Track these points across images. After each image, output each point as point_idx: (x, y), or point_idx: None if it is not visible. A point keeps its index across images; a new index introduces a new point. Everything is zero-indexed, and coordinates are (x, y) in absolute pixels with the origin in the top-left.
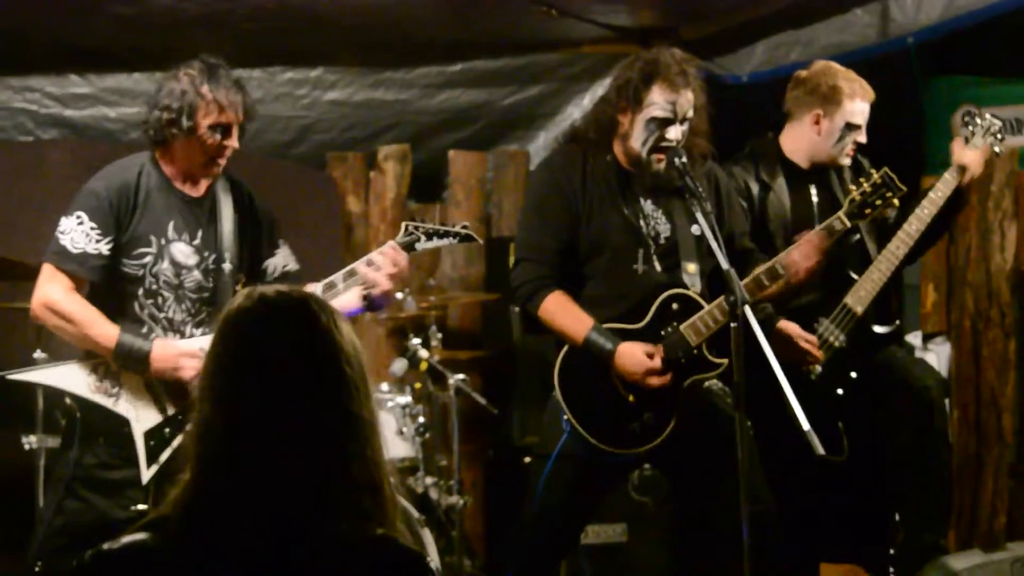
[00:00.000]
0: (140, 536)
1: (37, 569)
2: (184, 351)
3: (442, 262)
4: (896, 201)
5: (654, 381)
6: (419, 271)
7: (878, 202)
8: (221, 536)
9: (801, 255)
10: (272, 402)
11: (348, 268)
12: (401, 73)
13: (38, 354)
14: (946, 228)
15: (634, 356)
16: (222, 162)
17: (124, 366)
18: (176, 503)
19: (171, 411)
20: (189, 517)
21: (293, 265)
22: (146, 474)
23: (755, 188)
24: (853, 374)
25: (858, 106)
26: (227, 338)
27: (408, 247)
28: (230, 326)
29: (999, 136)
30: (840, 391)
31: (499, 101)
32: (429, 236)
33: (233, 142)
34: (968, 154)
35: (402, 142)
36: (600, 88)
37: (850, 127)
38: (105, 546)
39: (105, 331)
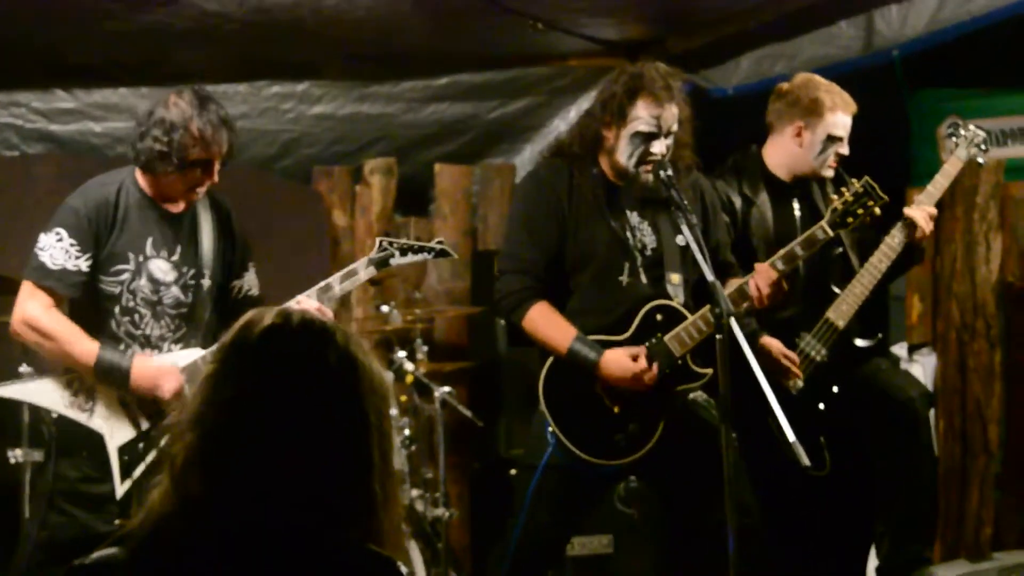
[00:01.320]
0: (112, 551)
1: None
2: (163, 369)
3: (428, 275)
4: (878, 210)
5: (645, 381)
6: (405, 284)
7: (859, 211)
8: (197, 553)
9: (756, 287)
10: (276, 424)
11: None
12: (387, 87)
13: (24, 368)
14: (915, 259)
15: (619, 361)
16: (200, 192)
17: (103, 382)
18: (152, 515)
19: (145, 426)
20: (163, 530)
21: (256, 290)
22: (120, 489)
23: (738, 202)
24: (835, 388)
25: (839, 119)
26: (231, 360)
27: (382, 263)
28: (236, 347)
29: (983, 147)
30: (821, 405)
31: (485, 115)
32: (404, 252)
33: (213, 177)
34: (915, 211)
35: (388, 156)
36: (586, 102)
37: (831, 139)
38: (76, 562)
39: (85, 348)
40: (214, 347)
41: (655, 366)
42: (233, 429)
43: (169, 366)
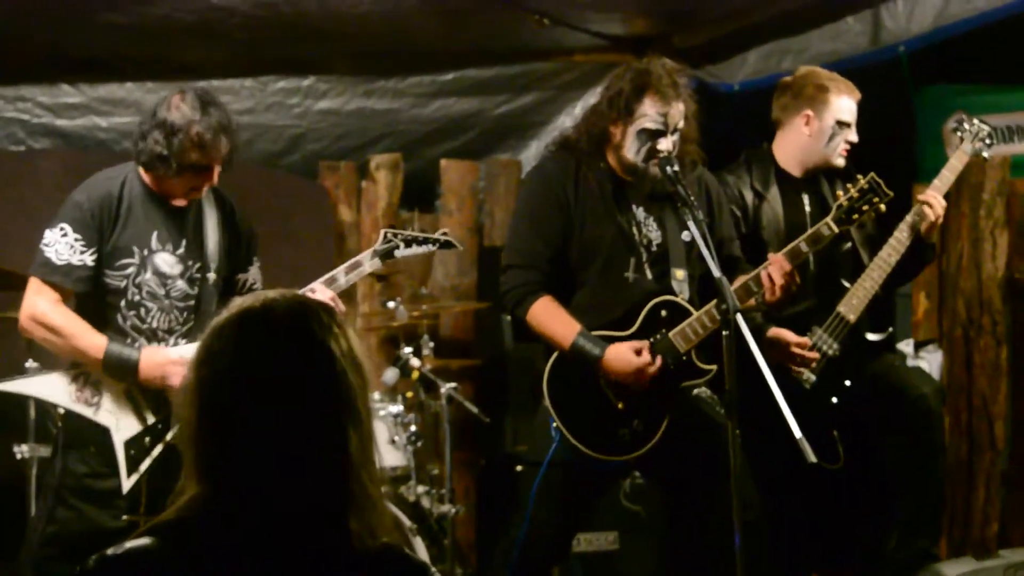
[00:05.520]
0: (144, 541)
1: None
2: (172, 359)
3: (434, 271)
4: (883, 206)
5: (648, 374)
6: (411, 280)
7: (865, 207)
8: (226, 543)
9: (769, 277)
10: (278, 406)
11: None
12: (393, 82)
13: (30, 364)
14: (927, 257)
15: (622, 356)
16: (200, 193)
17: (112, 375)
18: (181, 508)
19: (151, 420)
20: (195, 523)
21: (259, 285)
22: (126, 483)
23: (749, 196)
24: (847, 382)
25: (845, 103)
26: (232, 340)
27: (387, 255)
28: (235, 328)
29: (987, 141)
30: (834, 399)
31: (491, 110)
32: (408, 243)
33: (211, 181)
34: (929, 195)
35: (394, 151)
36: (593, 97)
37: (840, 124)
38: (109, 551)
39: (93, 342)
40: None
41: (659, 359)
42: (228, 412)
43: (178, 357)
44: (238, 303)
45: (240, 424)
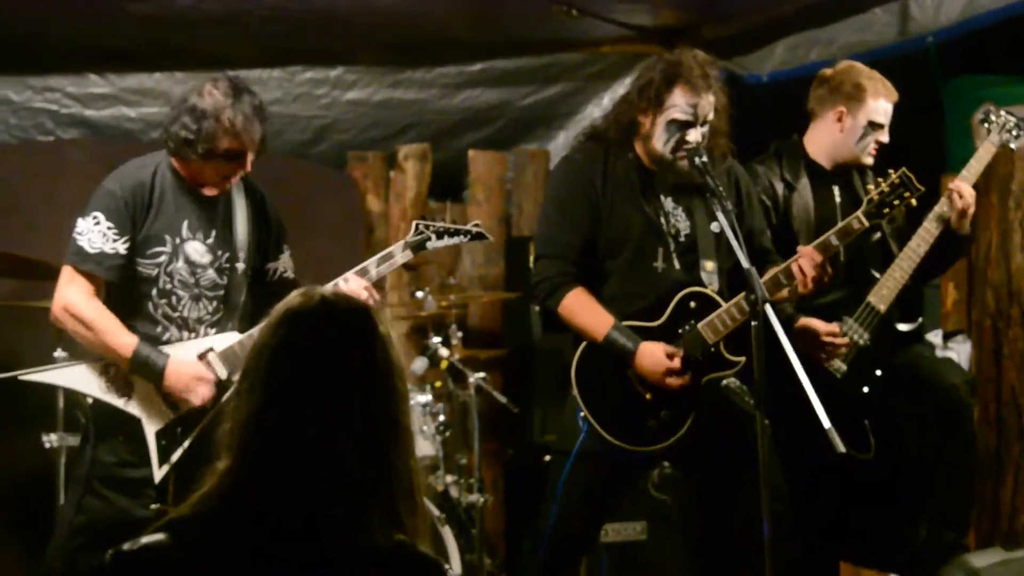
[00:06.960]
0: (158, 537)
1: (58, 567)
2: (197, 375)
3: (462, 261)
4: (914, 201)
5: (672, 382)
6: (439, 270)
7: (896, 202)
8: (238, 538)
9: (800, 269)
10: (328, 403)
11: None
12: (421, 73)
13: (59, 353)
14: (961, 248)
15: (654, 356)
16: (233, 181)
17: (137, 375)
18: (196, 503)
19: (182, 411)
20: (209, 519)
21: (291, 272)
22: (158, 473)
23: (779, 188)
24: (878, 372)
25: (881, 105)
26: (287, 334)
27: (419, 246)
28: (291, 322)
29: (1014, 133)
30: (865, 389)
31: (519, 101)
32: (440, 235)
33: (245, 168)
34: (960, 183)
35: (422, 141)
36: (620, 88)
37: (873, 125)
38: (125, 547)
39: (122, 340)
40: (257, 327)
41: (683, 361)
42: (274, 408)
43: (204, 373)
44: (298, 296)
45: (297, 415)
